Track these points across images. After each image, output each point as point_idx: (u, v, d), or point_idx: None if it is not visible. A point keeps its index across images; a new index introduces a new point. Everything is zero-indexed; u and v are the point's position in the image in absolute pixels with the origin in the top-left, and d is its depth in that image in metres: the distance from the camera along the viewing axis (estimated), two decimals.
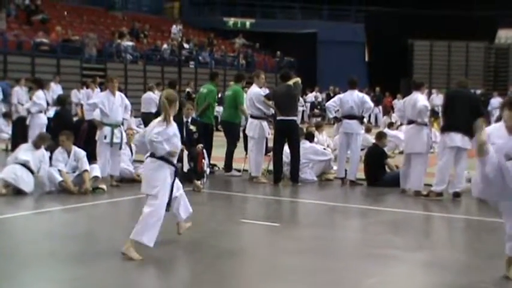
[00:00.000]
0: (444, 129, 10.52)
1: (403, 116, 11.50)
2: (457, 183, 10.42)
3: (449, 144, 10.27)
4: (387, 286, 5.78)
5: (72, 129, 11.75)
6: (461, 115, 10.15)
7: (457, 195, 10.38)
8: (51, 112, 15.44)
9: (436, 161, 10.75)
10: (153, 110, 17.50)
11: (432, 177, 10.76)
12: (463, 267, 6.56)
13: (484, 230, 8.48)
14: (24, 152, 10.56)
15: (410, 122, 11.07)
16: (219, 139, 13.90)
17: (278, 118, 11.84)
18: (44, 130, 13.87)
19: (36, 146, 10.72)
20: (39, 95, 14.49)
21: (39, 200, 10.07)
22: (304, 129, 14.03)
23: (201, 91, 13.55)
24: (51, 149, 11.01)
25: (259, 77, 12.68)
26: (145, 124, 17.28)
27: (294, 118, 11.97)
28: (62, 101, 14.65)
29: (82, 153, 10.68)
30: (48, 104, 17.97)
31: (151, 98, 18.79)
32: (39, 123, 14.21)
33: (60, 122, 13.43)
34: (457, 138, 10.21)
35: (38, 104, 14.33)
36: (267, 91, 14.05)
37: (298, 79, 12.54)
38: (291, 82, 11.98)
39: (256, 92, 12.28)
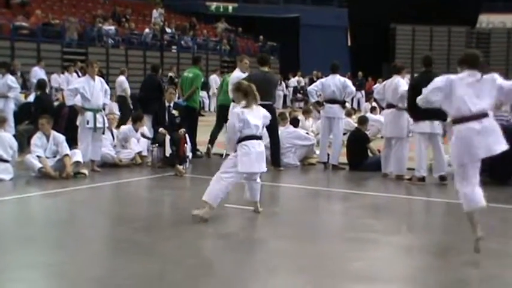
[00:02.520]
0: (413, 118, 10.45)
1: (383, 99, 11.49)
2: (440, 166, 10.45)
3: (418, 131, 10.30)
4: (370, 270, 5.80)
5: (52, 114, 11.63)
6: None
7: (442, 178, 10.39)
8: (32, 97, 15.30)
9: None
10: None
11: (412, 161, 10.80)
12: (443, 249, 6.61)
13: (464, 213, 8.52)
14: None
15: (389, 106, 11.06)
16: (202, 123, 13.91)
17: None
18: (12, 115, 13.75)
19: None
20: (13, 79, 14.29)
21: (19, 185, 9.98)
22: (288, 114, 14.02)
23: (186, 75, 13.46)
24: (30, 134, 10.88)
25: (243, 61, 12.64)
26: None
27: (270, 102, 11.85)
28: (42, 86, 14.53)
29: (61, 138, 10.58)
30: (28, 88, 17.81)
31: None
32: (12, 108, 14.05)
33: (40, 107, 13.33)
34: (425, 126, 10.21)
35: (15, 88, 14.13)
36: None
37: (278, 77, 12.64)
38: (267, 68, 11.93)
39: (238, 76, 12.21)
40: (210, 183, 7.61)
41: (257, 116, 7.78)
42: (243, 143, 7.62)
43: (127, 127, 12.51)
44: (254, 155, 7.62)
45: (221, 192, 7.54)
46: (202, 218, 7.42)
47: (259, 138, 7.78)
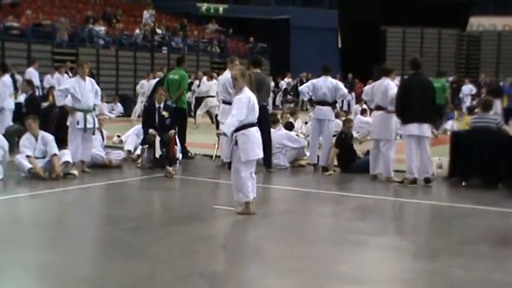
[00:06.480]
0: (401, 121, 10.58)
1: (371, 101, 11.54)
2: (425, 169, 10.47)
3: (407, 134, 10.41)
4: (359, 272, 5.82)
5: (41, 114, 11.62)
6: (415, 104, 10.22)
7: (427, 181, 10.44)
8: (22, 97, 15.25)
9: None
10: None
11: (402, 164, 10.85)
12: (431, 252, 6.63)
13: (454, 215, 8.58)
14: None
15: (378, 108, 11.09)
16: (190, 124, 13.93)
17: None
18: (11, 115, 13.67)
19: None
20: (6, 80, 14.19)
21: (8, 185, 9.95)
22: (279, 116, 14.04)
23: (172, 77, 13.44)
24: (20, 134, 10.86)
25: (233, 62, 12.64)
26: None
27: (264, 104, 11.87)
28: (31, 86, 14.48)
29: (50, 137, 10.58)
30: (17, 89, 17.73)
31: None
32: (10, 109, 13.98)
33: (32, 107, 13.30)
34: (413, 128, 10.30)
35: (8, 88, 14.02)
36: None
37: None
38: (259, 70, 11.98)
39: (229, 77, 12.21)
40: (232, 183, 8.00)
41: (257, 104, 8.01)
42: (242, 131, 7.81)
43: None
44: (254, 142, 7.86)
45: (246, 186, 7.85)
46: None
47: (256, 125, 8.00)
